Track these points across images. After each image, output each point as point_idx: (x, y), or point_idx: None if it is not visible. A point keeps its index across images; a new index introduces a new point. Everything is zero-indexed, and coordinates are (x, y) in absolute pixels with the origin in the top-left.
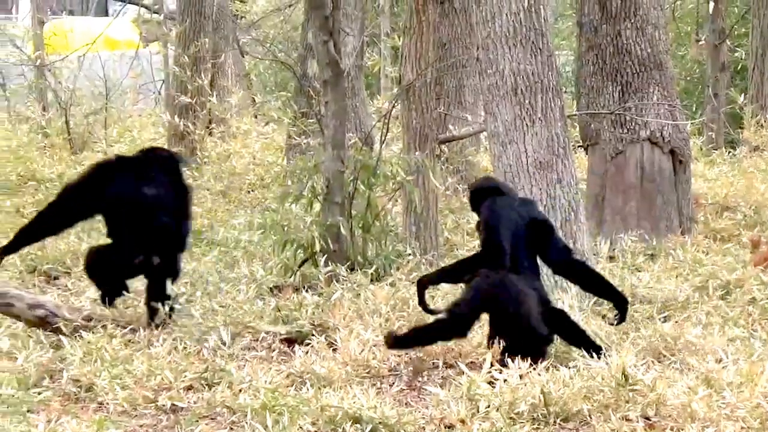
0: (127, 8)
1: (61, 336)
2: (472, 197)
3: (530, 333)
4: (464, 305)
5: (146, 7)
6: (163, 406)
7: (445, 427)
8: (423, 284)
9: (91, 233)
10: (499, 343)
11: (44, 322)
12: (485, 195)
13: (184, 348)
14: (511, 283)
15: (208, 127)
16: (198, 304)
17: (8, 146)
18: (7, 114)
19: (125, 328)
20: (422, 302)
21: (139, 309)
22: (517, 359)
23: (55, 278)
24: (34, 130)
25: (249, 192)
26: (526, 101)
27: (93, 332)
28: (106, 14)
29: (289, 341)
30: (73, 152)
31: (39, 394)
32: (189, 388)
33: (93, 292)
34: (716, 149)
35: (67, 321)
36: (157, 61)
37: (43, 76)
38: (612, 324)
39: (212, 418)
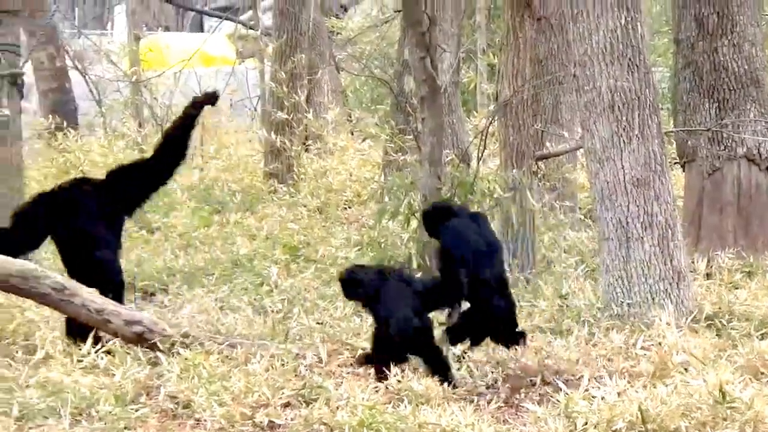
0: (223, 24)
1: (158, 352)
2: (426, 221)
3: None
4: None
5: (242, 23)
6: (261, 423)
7: None
8: None
9: (188, 250)
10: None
11: (141, 338)
12: (440, 218)
13: (282, 365)
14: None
15: (304, 144)
16: (295, 321)
17: (104, 162)
18: (104, 130)
19: (222, 344)
20: None
21: (239, 326)
22: None
23: (152, 294)
24: (130, 146)
25: (346, 208)
26: (624, 118)
27: (190, 349)
28: (202, 30)
29: None
30: None
31: (136, 410)
32: (286, 405)
33: (190, 308)
34: None
35: (164, 337)
36: (253, 77)
37: (139, 92)
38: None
39: None
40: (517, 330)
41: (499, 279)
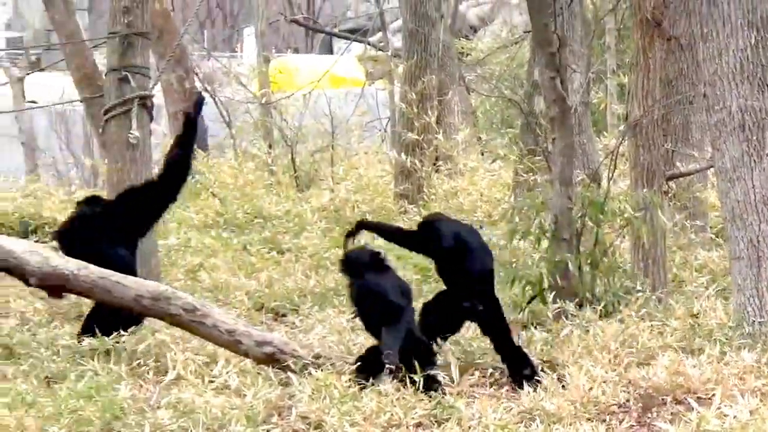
0: (352, 46)
1: (289, 373)
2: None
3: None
4: None
5: (372, 45)
6: None
7: None
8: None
9: (319, 270)
10: None
11: (272, 359)
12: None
13: (413, 384)
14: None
15: (434, 164)
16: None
17: (234, 184)
18: (233, 151)
19: (354, 364)
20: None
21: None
22: None
23: (283, 315)
24: (261, 167)
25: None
26: (754, 137)
27: (321, 369)
28: (331, 52)
29: None
30: (299, 190)
31: (267, 431)
32: (418, 425)
33: (321, 329)
34: None
35: (295, 358)
36: (383, 99)
37: (268, 113)
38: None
39: None
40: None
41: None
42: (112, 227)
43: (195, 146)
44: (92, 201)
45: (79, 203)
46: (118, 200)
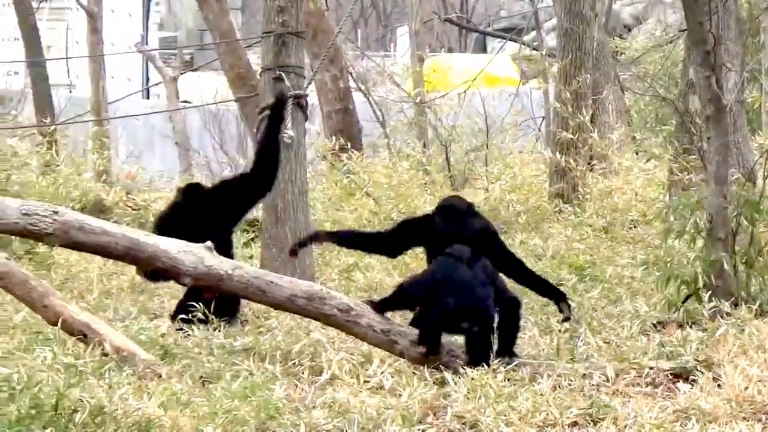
0: (506, 45)
1: (444, 372)
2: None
3: None
4: None
5: (526, 44)
6: None
7: None
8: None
9: None
10: None
11: (428, 359)
12: None
13: (569, 384)
14: None
15: (589, 164)
16: (582, 340)
17: (389, 183)
18: (388, 151)
19: (509, 364)
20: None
21: (526, 346)
22: None
23: None
24: (415, 167)
25: (631, 228)
26: None
27: (477, 369)
28: (485, 51)
29: (675, 376)
30: (454, 189)
31: (423, 431)
32: (574, 424)
33: None
34: None
35: (451, 357)
36: (537, 98)
37: (423, 113)
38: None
39: None
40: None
41: None
42: (209, 216)
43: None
44: (192, 189)
45: (179, 190)
46: (215, 189)
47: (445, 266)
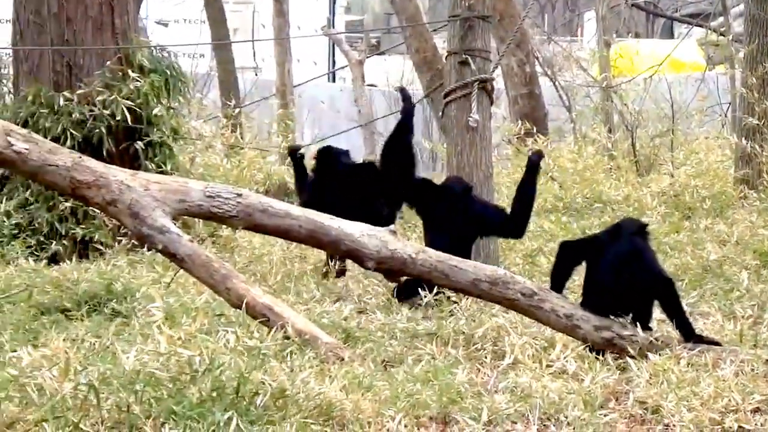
0: (693, 30)
1: (627, 358)
2: None
3: None
4: None
5: (712, 29)
6: (730, 428)
7: None
8: None
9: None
10: None
11: (610, 344)
12: None
13: (752, 370)
14: None
15: None
16: (766, 326)
17: (574, 168)
18: (573, 136)
19: (692, 350)
20: None
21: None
22: None
23: None
24: (600, 152)
25: None
26: None
27: (659, 354)
28: (672, 36)
29: None
30: (639, 174)
31: (605, 416)
32: (756, 410)
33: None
34: None
35: (633, 343)
36: (723, 83)
37: (609, 98)
38: None
39: None
40: None
41: None
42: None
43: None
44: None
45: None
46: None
47: None
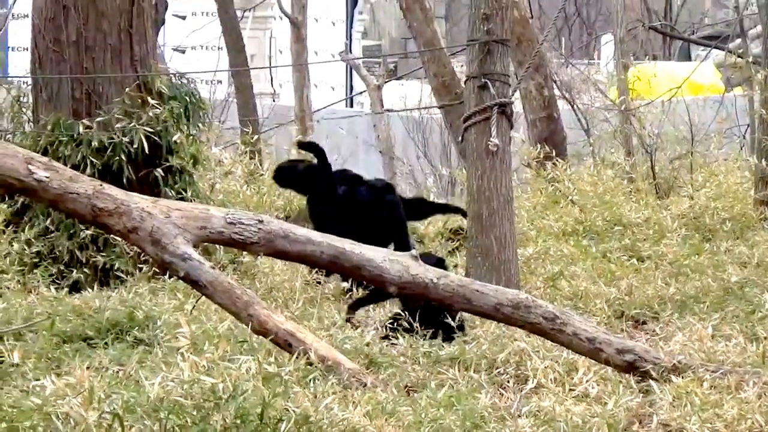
0: (711, 53)
1: (650, 380)
2: None
3: None
4: None
5: (730, 51)
6: None
7: None
8: None
9: (679, 278)
10: None
11: (633, 366)
12: None
13: None
14: None
15: None
16: None
17: (594, 191)
18: (592, 159)
19: (715, 372)
20: None
21: (731, 354)
22: None
23: (643, 323)
24: (619, 174)
25: None
26: None
27: (682, 377)
28: (689, 59)
29: None
30: (658, 197)
31: None
32: None
33: (680, 336)
34: None
35: (656, 366)
36: (742, 105)
37: (627, 120)
38: None
39: None
40: None
41: None
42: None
43: None
44: None
45: None
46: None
47: None
